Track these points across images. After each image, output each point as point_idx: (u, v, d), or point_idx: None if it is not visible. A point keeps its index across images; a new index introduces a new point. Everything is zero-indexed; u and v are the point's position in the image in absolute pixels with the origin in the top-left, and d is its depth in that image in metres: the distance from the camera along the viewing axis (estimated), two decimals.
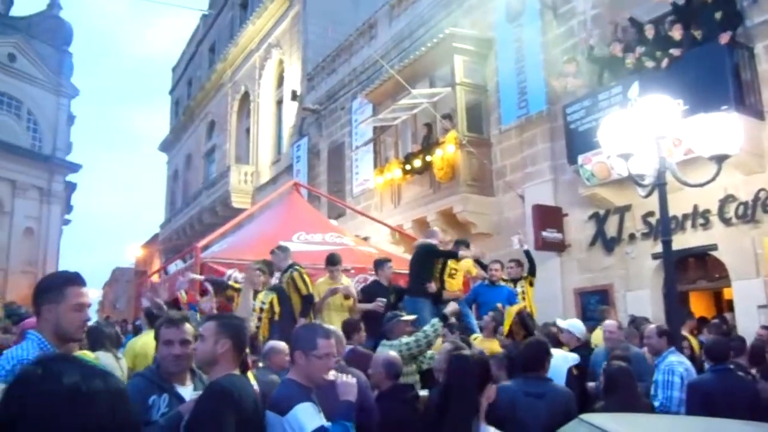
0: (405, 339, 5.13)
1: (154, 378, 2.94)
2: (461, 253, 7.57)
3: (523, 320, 5.65)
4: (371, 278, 7.88)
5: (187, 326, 3.04)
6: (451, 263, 7.67)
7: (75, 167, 34.85)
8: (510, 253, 8.71)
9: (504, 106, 10.95)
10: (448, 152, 10.81)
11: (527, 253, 8.12)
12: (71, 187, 35.54)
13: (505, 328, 6.46)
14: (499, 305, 7.10)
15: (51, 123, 33.58)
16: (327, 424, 2.82)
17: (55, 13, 35.64)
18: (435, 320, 5.32)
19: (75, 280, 2.44)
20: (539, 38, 10.44)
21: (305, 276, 7.00)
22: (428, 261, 7.33)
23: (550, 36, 10.45)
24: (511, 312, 6.08)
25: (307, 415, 2.79)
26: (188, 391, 2.93)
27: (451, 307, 5.67)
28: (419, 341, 5.09)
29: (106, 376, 1.18)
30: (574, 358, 5.27)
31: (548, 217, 9.78)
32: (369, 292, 7.34)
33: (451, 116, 11.30)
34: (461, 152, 10.85)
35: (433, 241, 7.51)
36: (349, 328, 5.83)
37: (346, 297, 7.22)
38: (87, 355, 4.32)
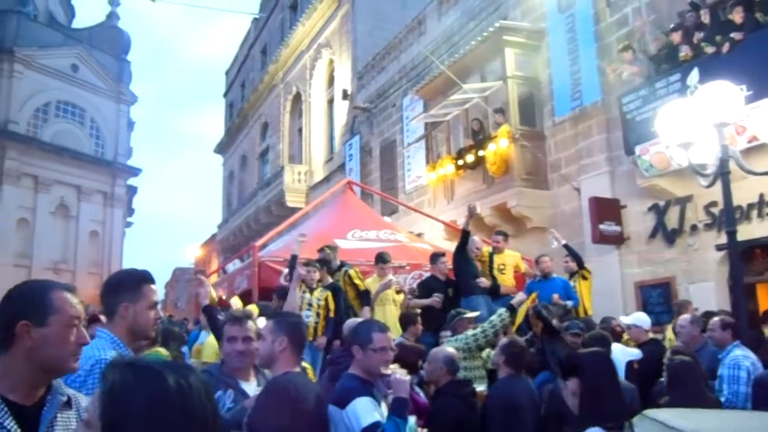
0: (470, 331, 5.17)
1: (219, 374, 3.04)
2: (499, 242, 7.82)
3: (539, 313, 5.47)
4: (426, 274, 7.91)
5: (250, 324, 3.13)
6: (497, 259, 7.69)
7: (135, 171, 36.02)
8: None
9: (557, 98, 10.75)
10: (501, 146, 10.68)
11: (567, 248, 7.95)
12: (132, 190, 36.74)
13: (517, 320, 6.23)
14: (555, 296, 7.02)
15: (112, 129, 34.78)
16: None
17: (114, 24, 36.89)
18: (502, 310, 5.30)
19: (149, 278, 2.44)
20: (592, 27, 10.21)
21: (359, 273, 7.32)
22: (461, 259, 7.36)
23: (604, 25, 10.20)
24: (522, 309, 5.86)
25: (365, 409, 2.83)
26: (252, 387, 3.01)
27: (518, 297, 5.61)
28: (485, 331, 5.12)
29: (194, 371, 1.23)
30: (632, 353, 5.17)
31: (606, 209, 9.57)
32: (426, 287, 7.36)
33: (503, 110, 11.18)
34: (514, 146, 10.71)
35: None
36: (405, 320, 5.96)
37: (398, 292, 7.30)
38: (160, 352, 4.47)
